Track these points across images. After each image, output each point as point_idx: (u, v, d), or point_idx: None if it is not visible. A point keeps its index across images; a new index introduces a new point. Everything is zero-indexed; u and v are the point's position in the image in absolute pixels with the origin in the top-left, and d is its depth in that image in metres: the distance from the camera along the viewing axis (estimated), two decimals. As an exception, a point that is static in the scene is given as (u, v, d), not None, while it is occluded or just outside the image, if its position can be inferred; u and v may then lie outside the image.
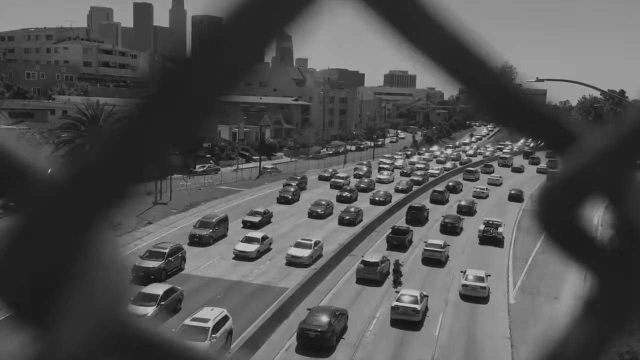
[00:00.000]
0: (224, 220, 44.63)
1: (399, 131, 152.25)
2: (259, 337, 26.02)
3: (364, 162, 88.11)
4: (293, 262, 37.63)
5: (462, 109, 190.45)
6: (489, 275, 35.32)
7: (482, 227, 47.80)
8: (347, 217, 49.99)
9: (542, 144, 0.86)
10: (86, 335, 0.73)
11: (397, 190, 65.38)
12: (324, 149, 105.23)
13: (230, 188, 61.97)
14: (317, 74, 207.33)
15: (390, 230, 44.92)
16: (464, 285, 33.84)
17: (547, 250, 43.75)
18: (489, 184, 74.37)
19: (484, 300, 33.34)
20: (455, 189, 68.49)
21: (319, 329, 26.08)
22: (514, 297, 34.83)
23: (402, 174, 78.12)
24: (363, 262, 36.09)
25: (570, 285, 35.75)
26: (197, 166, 73.06)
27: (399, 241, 43.16)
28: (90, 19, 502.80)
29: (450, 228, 47.94)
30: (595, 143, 0.85)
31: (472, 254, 43.58)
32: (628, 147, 0.85)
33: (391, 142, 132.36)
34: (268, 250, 40.60)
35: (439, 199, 61.27)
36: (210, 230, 42.05)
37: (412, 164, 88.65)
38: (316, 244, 39.95)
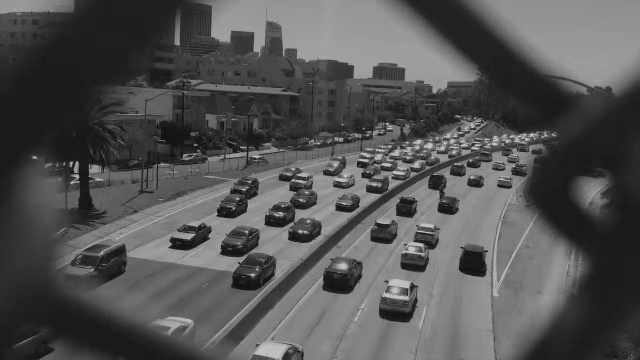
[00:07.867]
0: (119, 252, 32.52)
1: (387, 124, 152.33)
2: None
3: (339, 158, 78.87)
4: None
5: (450, 102, 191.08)
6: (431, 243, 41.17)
7: (513, 165, 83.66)
8: (247, 275, 31.45)
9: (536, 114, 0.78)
10: (5, 297, 0.63)
11: (339, 208, 50.81)
12: (312, 141, 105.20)
13: (217, 178, 61.77)
14: (307, 65, 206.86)
15: (399, 200, 53.30)
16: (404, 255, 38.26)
17: (531, 244, 44.13)
18: (508, 161, 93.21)
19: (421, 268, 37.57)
20: (475, 165, 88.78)
21: (340, 272, 32.48)
22: (498, 290, 35.09)
23: (364, 176, 67.67)
24: (377, 224, 43.65)
25: (553, 280, 36.20)
26: (185, 155, 72.84)
27: (406, 209, 51.78)
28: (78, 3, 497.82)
29: (447, 208, 54.47)
30: (595, 109, 0.77)
31: (463, 231, 45.89)
32: (631, 112, 0.75)
33: (379, 134, 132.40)
34: None
35: (457, 172, 79.12)
36: (93, 270, 29.86)
37: (394, 158, 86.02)
38: (180, 331, 23.04)
